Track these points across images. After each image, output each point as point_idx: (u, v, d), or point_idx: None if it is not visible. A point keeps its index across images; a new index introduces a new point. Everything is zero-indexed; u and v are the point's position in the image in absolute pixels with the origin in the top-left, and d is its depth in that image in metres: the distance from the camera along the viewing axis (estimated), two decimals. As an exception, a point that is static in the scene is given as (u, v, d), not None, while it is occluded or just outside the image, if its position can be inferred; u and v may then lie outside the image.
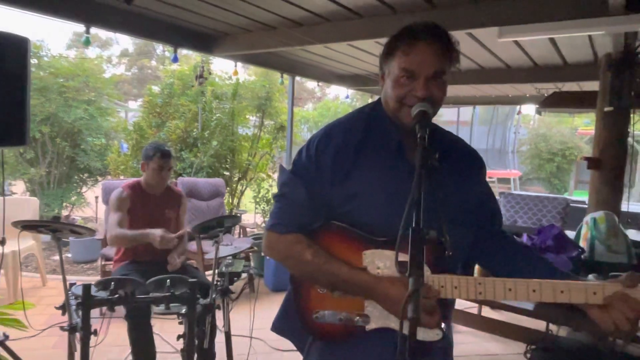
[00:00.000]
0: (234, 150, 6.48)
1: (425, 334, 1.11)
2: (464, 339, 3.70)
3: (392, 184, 1.16)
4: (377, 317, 1.16)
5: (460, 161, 1.29)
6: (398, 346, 0.89)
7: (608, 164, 3.56)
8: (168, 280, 2.21)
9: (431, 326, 1.06)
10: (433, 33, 1.14)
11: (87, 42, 3.24)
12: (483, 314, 3.91)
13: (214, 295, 2.36)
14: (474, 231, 1.27)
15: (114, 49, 26.35)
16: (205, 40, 4.14)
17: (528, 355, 2.32)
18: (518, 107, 7.74)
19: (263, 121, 7.04)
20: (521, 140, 15.10)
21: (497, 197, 5.76)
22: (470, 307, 3.88)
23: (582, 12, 2.53)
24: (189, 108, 6.17)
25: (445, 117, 16.52)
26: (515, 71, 4.96)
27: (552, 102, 5.31)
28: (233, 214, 5.69)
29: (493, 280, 1.07)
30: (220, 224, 2.37)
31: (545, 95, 5.74)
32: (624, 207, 3.64)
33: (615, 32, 2.81)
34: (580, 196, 7.28)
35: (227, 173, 6.54)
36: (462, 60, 4.69)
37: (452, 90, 6.77)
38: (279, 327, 1.36)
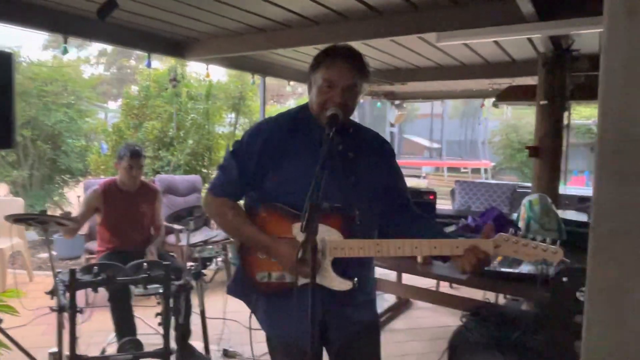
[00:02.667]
0: (210, 148, 6.75)
1: (339, 285, 1.44)
2: (422, 314, 4.07)
3: (314, 172, 1.48)
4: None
5: (373, 151, 1.63)
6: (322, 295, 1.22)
7: (547, 152, 3.95)
8: (145, 264, 2.50)
9: (304, 275, 1.37)
10: (350, 54, 1.50)
11: (65, 52, 3.49)
12: (441, 290, 4.29)
13: (187, 277, 2.67)
14: (383, 205, 1.60)
15: (92, 49, 26.14)
16: (177, 46, 4.41)
17: (464, 320, 2.67)
18: (482, 100, 8.15)
19: (238, 119, 7.33)
20: (494, 131, 15.57)
21: (452, 185, 6.10)
22: (431, 286, 4.24)
23: (506, 19, 2.88)
24: (164, 109, 6.43)
25: (421, 111, 16.98)
26: (470, 68, 5.32)
27: (507, 96, 5.72)
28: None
29: (387, 241, 1.40)
30: (190, 213, 2.67)
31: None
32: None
33: (538, 35, 3.16)
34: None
35: (204, 170, 6.81)
36: (420, 59, 5.06)
37: (420, 86, 7.11)
38: (232, 289, 1.68)
